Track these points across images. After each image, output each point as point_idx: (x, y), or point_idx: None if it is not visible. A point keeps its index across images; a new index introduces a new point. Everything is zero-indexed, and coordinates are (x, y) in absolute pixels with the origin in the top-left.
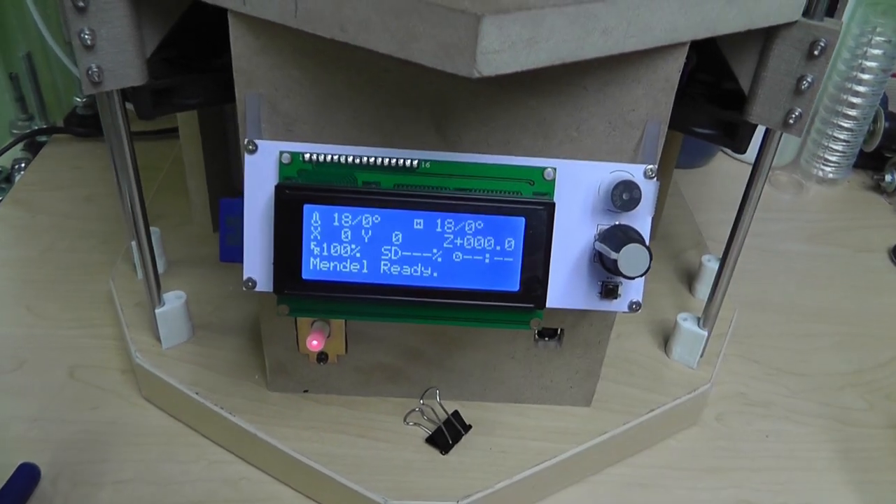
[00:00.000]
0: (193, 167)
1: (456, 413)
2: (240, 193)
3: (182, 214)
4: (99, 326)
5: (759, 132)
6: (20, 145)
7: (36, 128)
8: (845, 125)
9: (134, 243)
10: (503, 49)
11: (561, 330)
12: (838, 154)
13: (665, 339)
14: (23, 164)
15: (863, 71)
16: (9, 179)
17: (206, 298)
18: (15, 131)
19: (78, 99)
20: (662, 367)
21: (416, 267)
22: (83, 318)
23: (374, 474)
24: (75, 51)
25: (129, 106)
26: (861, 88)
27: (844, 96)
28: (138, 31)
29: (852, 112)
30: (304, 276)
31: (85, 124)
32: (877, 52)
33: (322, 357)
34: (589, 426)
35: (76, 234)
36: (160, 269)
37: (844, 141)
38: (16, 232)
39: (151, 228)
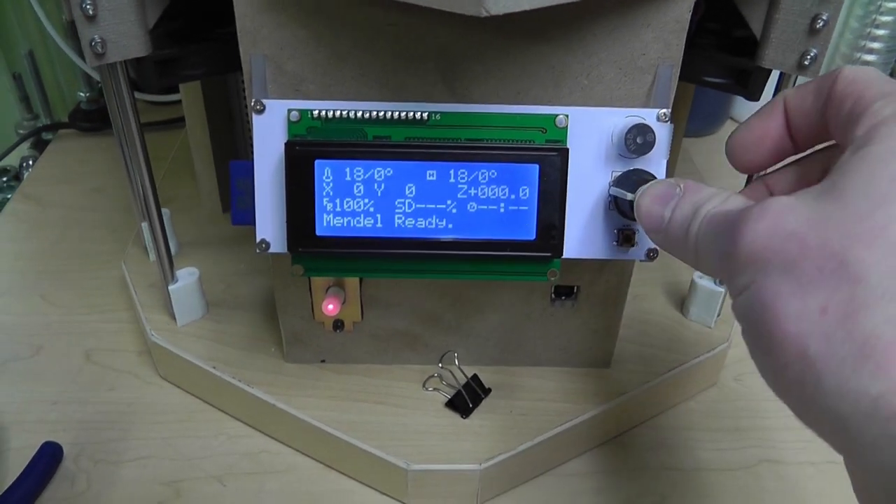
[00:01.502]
0: (200, 148)
1: (475, 377)
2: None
3: (190, 198)
4: (112, 311)
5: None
6: (26, 144)
7: (41, 125)
8: None
9: (145, 224)
10: None
11: (577, 287)
12: None
13: (681, 300)
14: (30, 162)
15: (877, 27)
16: (17, 177)
17: (218, 277)
18: (21, 131)
19: (82, 94)
20: (680, 328)
21: (430, 219)
22: (96, 304)
23: (395, 440)
24: (77, 23)
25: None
26: (875, 45)
27: (858, 55)
28: (140, 1)
29: (871, 58)
30: (318, 232)
31: (89, 119)
32: (891, 5)
33: (338, 325)
34: (608, 387)
35: (86, 224)
36: (172, 251)
37: None
38: (27, 225)
39: (162, 208)
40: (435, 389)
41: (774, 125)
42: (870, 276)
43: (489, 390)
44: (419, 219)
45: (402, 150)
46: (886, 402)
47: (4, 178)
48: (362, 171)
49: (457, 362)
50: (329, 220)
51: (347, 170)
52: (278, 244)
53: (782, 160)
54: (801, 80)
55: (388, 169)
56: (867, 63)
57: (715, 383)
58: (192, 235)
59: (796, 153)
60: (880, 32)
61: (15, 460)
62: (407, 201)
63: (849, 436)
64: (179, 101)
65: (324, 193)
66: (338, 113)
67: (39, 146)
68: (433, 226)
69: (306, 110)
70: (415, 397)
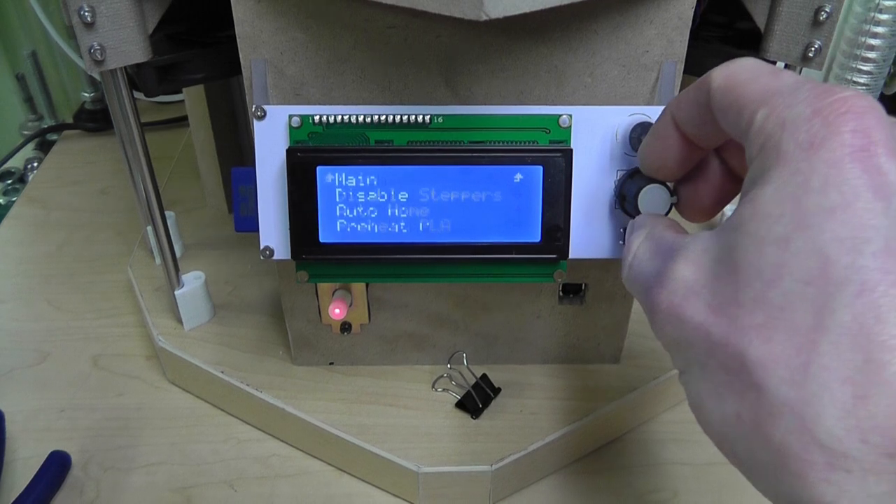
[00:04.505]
0: (204, 150)
1: (484, 376)
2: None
3: (195, 199)
4: (119, 315)
5: None
6: (31, 145)
7: (45, 126)
8: (864, 68)
9: (150, 228)
10: None
11: (585, 285)
12: None
13: None
14: (35, 164)
15: (880, 11)
16: (22, 179)
17: (224, 279)
18: (25, 132)
19: (86, 94)
20: None
21: (434, 223)
22: (103, 308)
23: (405, 442)
24: (75, 30)
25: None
26: (879, 29)
27: (862, 38)
28: (138, 7)
29: (871, 55)
30: (322, 239)
31: (94, 119)
32: (889, 3)
33: (346, 327)
34: (619, 383)
35: (92, 227)
36: (177, 253)
37: (864, 85)
38: (32, 229)
39: (166, 212)
40: (444, 390)
41: (672, 142)
42: (768, 383)
43: (499, 389)
44: (423, 223)
45: (404, 155)
46: None
47: (9, 181)
48: (365, 177)
49: (465, 362)
50: (332, 227)
51: (350, 176)
52: (282, 251)
53: (696, 162)
54: (806, 71)
55: (391, 174)
56: (867, 60)
57: None
58: (197, 237)
59: (708, 151)
60: (879, 30)
61: (22, 470)
62: (410, 206)
63: None
64: (183, 100)
65: (326, 200)
66: (339, 118)
67: (44, 147)
68: (437, 230)
69: (308, 116)
70: (424, 398)
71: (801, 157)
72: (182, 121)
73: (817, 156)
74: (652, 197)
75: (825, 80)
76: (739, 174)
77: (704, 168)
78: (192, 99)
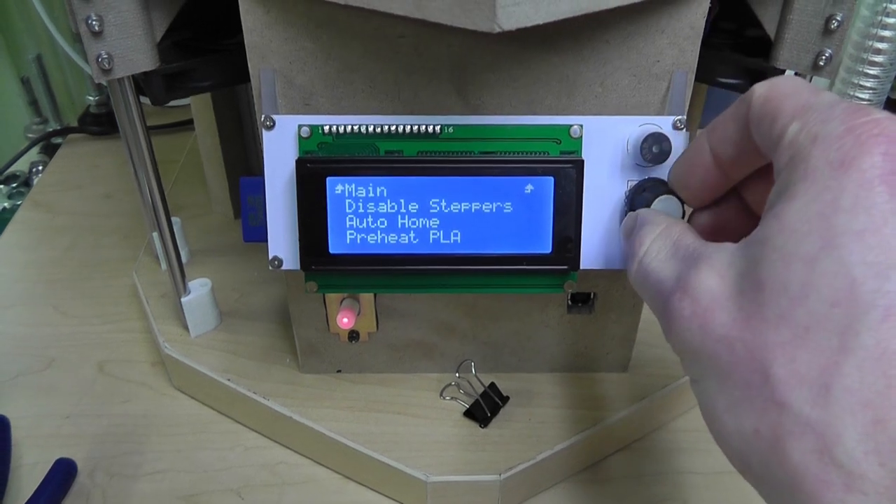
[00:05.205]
0: (210, 155)
1: (493, 385)
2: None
3: (201, 204)
4: (125, 321)
5: None
6: (36, 148)
7: (50, 130)
8: (871, 72)
9: (156, 234)
10: (523, 0)
11: (594, 295)
12: (865, 103)
13: None
14: (40, 167)
15: (888, 14)
16: (27, 183)
17: (230, 285)
18: (30, 135)
19: (91, 98)
20: None
21: (444, 234)
22: (109, 313)
23: (413, 451)
24: (83, 38)
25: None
26: (887, 33)
27: (869, 42)
28: (146, 15)
29: (878, 58)
30: (332, 250)
31: (99, 123)
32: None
33: (353, 335)
34: (627, 391)
35: (97, 231)
36: (183, 259)
37: (871, 89)
38: (38, 233)
39: (173, 218)
40: (453, 398)
41: (703, 161)
42: (792, 401)
43: (507, 398)
44: (433, 234)
45: (414, 165)
46: None
47: (14, 185)
48: (374, 188)
49: (474, 371)
50: (342, 238)
51: (360, 187)
52: (291, 261)
53: (722, 192)
54: (816, 80)
55: (401, 185)
56: (874, 64)
57: None
58: (203, 243)
59: (734, 183)
60: (887, 34)
61: (28, 477)
62: (420, 217)
63: None
64: (188, 104)
65: (336, 211)
66: (349, 128)
67: (49, 151)
68: (447, 241)
69: (317, 126)
70: (433, 407)
71: (831, 174)
72: (187, 124)
73: (847, 175)
74: (667, 208)
75: (832, 84)
76: (756, 212)
77: (723, 201)
78: (199, 105)
